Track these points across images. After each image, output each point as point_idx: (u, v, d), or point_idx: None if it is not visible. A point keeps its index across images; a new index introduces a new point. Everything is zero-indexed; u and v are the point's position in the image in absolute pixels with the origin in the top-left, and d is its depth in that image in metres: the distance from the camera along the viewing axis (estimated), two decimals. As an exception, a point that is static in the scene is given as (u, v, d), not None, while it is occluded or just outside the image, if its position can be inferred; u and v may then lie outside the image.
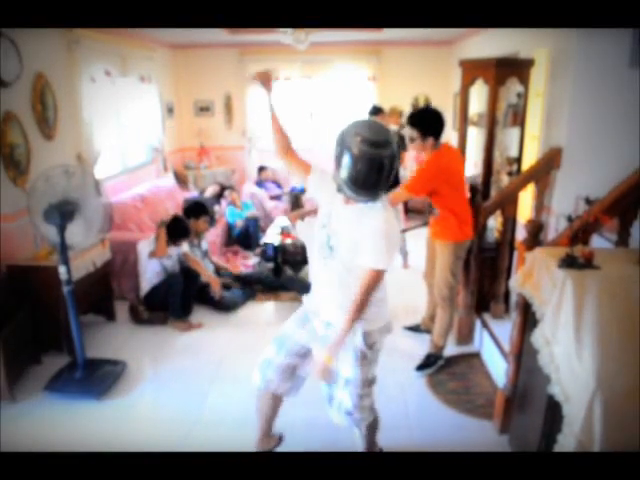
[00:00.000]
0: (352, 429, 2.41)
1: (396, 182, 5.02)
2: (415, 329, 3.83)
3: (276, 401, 2.40)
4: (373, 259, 1.92)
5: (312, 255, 2.20)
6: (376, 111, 5.08)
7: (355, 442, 2.47)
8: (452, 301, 3.27)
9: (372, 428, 2.39)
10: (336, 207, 2.03)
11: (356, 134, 1.87)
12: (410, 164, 7.06)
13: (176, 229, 4.18)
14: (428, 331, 3.64)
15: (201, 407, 3.00)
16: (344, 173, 1.88)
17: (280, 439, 2.58)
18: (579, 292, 1.85)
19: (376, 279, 1.95)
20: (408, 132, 3.08)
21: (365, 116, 5.04)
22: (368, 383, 2.19)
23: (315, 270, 2.18)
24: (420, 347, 3.48)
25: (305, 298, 2.31)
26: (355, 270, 1.97)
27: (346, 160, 1.87)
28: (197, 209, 4.58)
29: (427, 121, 3.03)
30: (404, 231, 4.74)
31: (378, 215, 1.93)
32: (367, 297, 1.97)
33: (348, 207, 1.99)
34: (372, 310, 2.05)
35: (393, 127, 4.99)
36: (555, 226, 3.00)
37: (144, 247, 4.09)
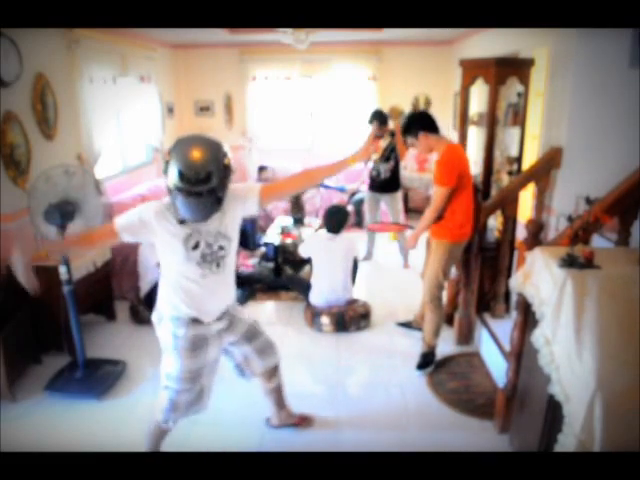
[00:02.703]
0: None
1: (397, 184, 5.06)
2: (407, 325, 3.87)
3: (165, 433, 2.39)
4: (254, 185, 2.20)
5: (189, 281, 2.13)
6: (380, 119, 4.87)
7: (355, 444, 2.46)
8: (441, 301, 3.29)
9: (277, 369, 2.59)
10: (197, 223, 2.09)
11: (173, 166, 1.90)
12: (410, 164, 7.09)
13: None
14: (419, 329, 3.66)
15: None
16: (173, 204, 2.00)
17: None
18: (579, 292, 1.85)
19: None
20: (408, 140, 3.24)
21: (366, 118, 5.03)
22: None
23: (203, 290, 2.14)
24: (417, 346, 3.48)
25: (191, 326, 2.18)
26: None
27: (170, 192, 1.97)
28: None
29: (409, 123, 3.20)
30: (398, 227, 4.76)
31: (230, 192, 2.06)
32: None
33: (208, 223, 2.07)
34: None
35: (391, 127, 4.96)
36: (555, 226, 3.00)
37: (145, 249, 4.07)
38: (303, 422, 2.79)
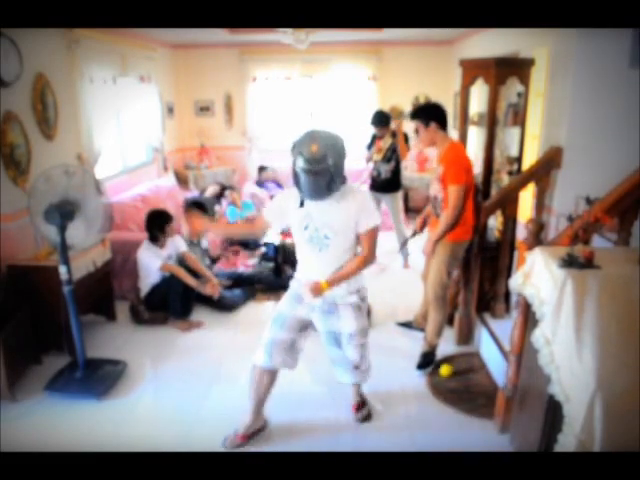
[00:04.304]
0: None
1: (397, 184, 5.06)
2: (407, 325, 3.87)
3: (272, 379, 2.65)
4: (372, 219, 2.40)
5: (302, 253, 2.53)
6: (381, 120, 4.90)
7: (355, 443, 2.46)
8: (445, 300, 3.28)
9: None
10: (311, 208, 2.39)
11: (297, 152, 2.26)
12: (411, 164, 7.08)
13: (160, 219, 4.15)
14: (420, 329, 3.66)
15: (201, 407, 3.00)
16: (298, 187, 2.34)
17: (266, 423, 2.79)
18: (579, 292, 1.85)
19: (377, 233, 2.46)
20: (413, 126, 3.21)
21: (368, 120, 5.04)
22: (365, 332, 2.61)
23: (310, 263, 2.51)
24: (418, 345, 3.48)
25: (297, 282, 2.61)
26: (349, 248, 2.44)
27: (295, 176, 2.32)
28: (196, 207, 4.59)
29: (425, 110, 3.20)
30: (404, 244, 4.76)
31: (350, 195, 2.38)
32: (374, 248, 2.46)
33: (321, 203, 2.35)
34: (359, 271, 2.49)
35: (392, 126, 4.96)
36: (556, 226, 3.00)
37: (145, 253, 4.07)
38: (356, 411, 2.86)
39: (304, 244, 2.47)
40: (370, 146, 5.08)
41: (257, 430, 2.71)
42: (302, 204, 2.38)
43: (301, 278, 2.57)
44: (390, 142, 4.86)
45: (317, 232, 2.40)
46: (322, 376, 3.27)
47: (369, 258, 2.46)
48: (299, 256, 2.57)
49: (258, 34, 5.90)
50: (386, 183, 5.00)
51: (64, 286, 3.06)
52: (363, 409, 2.86)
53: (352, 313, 2.53)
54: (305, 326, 2.62)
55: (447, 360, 3.40)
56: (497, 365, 3.13)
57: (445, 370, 3.20)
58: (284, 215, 2.50)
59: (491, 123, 3.57)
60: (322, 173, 2.22)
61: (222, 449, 2.62)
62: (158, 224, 4.09)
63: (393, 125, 4.89)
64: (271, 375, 2.62)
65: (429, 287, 3.29)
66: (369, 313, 3.94)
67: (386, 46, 7.05)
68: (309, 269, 2.53)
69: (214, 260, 4.68)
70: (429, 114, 3.13)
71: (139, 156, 6.16)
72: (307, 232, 2.42)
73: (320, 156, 2.20)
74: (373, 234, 2.43)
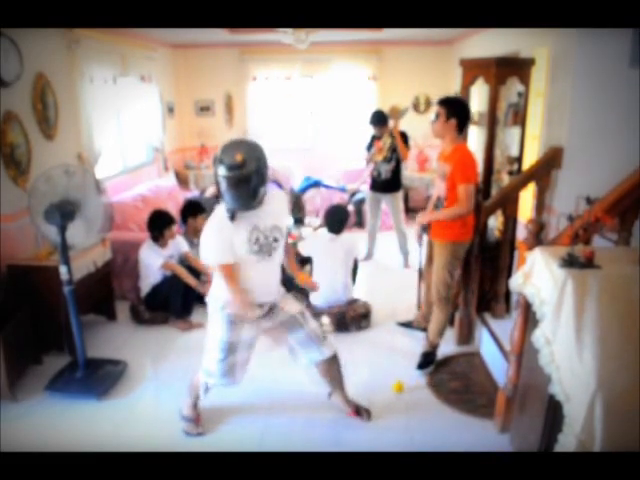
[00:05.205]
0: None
1: (398, 184, 5.06)
2: (407, 325, 3.87)
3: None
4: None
5: (249, 268, 2.45)
6: (380, 120, 4.95)
7: (356, 441, 2.46)
8: (448, 300, 3.28)
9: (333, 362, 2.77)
10: (253, 219, 2.38)
11: (218, 160, 2.25)
12: (411, 164, 7.08)
13: (162, 220, 4.15)
14: (420, 328, 3.66)
15: (201, 407, 2.99)
16: (227, 200, 2.30)
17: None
18: (580, 292, 1.85)
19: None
20: (435, 110, 3.17)
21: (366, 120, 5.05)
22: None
23: (260, 272, 2.48)
24: (418, 345, 3.48)
25: (231, 307, 2.51)
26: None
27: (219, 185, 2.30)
28: (193, 208, 4.61)
29: (455, 104, 3.13)
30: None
31: (274, 196, 2.48)
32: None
33: (259, 210, 2.38)
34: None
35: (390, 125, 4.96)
36: (556, 225, 2.99)
37: (147, 252, 4.07)
38: (358, 414, 2.86)
39: (252, 257, 2.41)
40: (369, 147, 5.08)
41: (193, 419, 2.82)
42: (232, 218, 2.33)
43: (237, 300, 2.45)
44: (390, 142, 4.86)
45: (267, 239, 2.42)
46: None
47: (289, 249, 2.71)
48: (244, 274, 2.45)
49: (258, 34, 5.90)
50: (386, 183, 5.01)
51: (64, 286, 3.06)
52: (361, 410, 2.86)
53: (290, 299, 2.70)
54: (253, 344, 2.65)
55: (442, 363, 3.40)
56: (497, 365, 3.13)
57: (397, 387, 3.10)
58: (231, 245, 2.37)
59: (491, 123, 3.57)
60: (246, 179, 2.23)
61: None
62: (159, 226, 4.09)
63: (391, 124, 4.89)
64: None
65: (433, 288, 3.29)
66: (369, 313, 3.96)
67: (386, 46, 7.04)
68: (260, 278, 2.50)
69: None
70: (456, 110, 3.06)
71: (139, 156, 6.16)
72: (257, 244, 2.40)
73: (241, 162, 2.22)
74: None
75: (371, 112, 5.01)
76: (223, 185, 2.26)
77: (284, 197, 2.65)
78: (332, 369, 2.80)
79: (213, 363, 2.58)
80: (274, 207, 2.46)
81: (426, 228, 3.34)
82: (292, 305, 2.69)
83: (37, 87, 3.86)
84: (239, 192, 2.26)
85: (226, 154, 2.24)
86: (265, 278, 2.54)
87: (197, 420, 2.80)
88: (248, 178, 2.23)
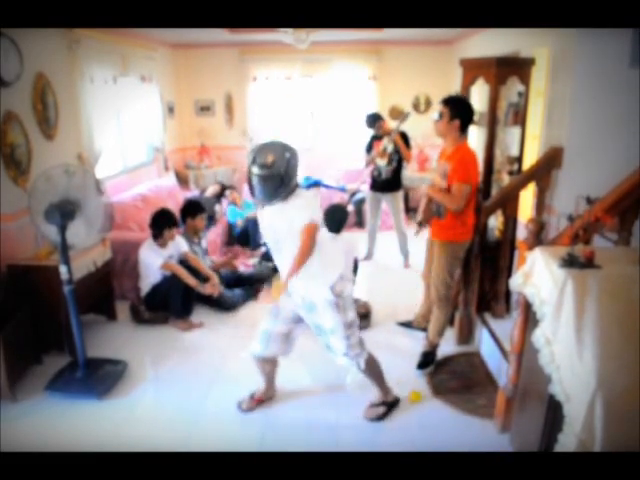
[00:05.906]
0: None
1: (398, 184, 5.06)
2: (408, 325, 3.87)
3: (273, 362, 2.93)
4: (307, 215, 2.47)
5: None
6: (373, 120, 5.03)
7: (359, 440, 2.46)
8: (449, 300, 3.28)
9: (371, 364, 2.80)
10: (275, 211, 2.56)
11: (250, 157, 2.49)
12: (411, 164, 7.07)
13: (164, 220, 4.15)
14: (420, 328, 3.66)
15: (201, 407, 3.00)
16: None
17: (275, 392, 3.06)
18: (580, 291, 1.85)
19: (313, 231, 2.49)
20: (437, 109, 3.13)
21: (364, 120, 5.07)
22: (349, 325, 2.64)
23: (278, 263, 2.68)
24: (418, 346, 3.48)
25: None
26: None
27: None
28: (193, 208, 4.60)
29: (460, 104, 3.11)
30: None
31: (295, 201, 2.53)
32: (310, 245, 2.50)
33: (269, 208, 2.57)
34: (318, 267, 2.55)
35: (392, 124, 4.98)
36: (556, 225, 2.99)
37: (146, 251, 4.07)
38: None
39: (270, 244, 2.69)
40: (369, 148, 5.09)
41: (268, 398, 3.01)
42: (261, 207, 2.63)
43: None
44: (391, 147, 4.85)
45: (276, 234, 2.59)
46: (322, 375, 3.27)
47: (304, 249, 2.52)
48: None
49: (258, 34, 5.90)
50: (387, 183, 5.01)
51: (64, 286, 3.06)
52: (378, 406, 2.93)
53: (330, 311, 2.59)
54: (300, 318, 2.75)
55: (442, 363, 3.40)
56: (497, 365, 3.13)
57: (414, 396, 3.05)
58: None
59: (491, 123, 3.57)
60: (272, 178, 2.43)
61: (237, 410, 2.93)
62: (160, 225, 4.09)
63: (392, 125, 4.90)
64: (270, 360, 2.90)
65: (432, 288, 3.29)
66: (369, 313, 3.96)
67: (386, 46, 7.04)
68: (281, 267, 2.70)
69: (215, 269, 4.63)
70: (460, 110, 3.05)
71: (140, 156, 6.16)
72: (270, 237, 2.64)
73: (271, 163, 2.42)
74: (308, 229, 2.47)
75: (365, 116, 5.05)
76: (253, 180, 2.51)
77: (310, 196, 2.63)
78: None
79: (260, 326, 2.79)
80: (295, 203, 2.52)
81: (422, 223, 3.34)
82: (326, 318, 2.66)
83: (37, 87, 3.86)
84: (265, 188, 2.47)
85: (260, 154, 2.46)
86: (280, 266, 2.69)
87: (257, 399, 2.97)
88: (274, 177, 2.43)
